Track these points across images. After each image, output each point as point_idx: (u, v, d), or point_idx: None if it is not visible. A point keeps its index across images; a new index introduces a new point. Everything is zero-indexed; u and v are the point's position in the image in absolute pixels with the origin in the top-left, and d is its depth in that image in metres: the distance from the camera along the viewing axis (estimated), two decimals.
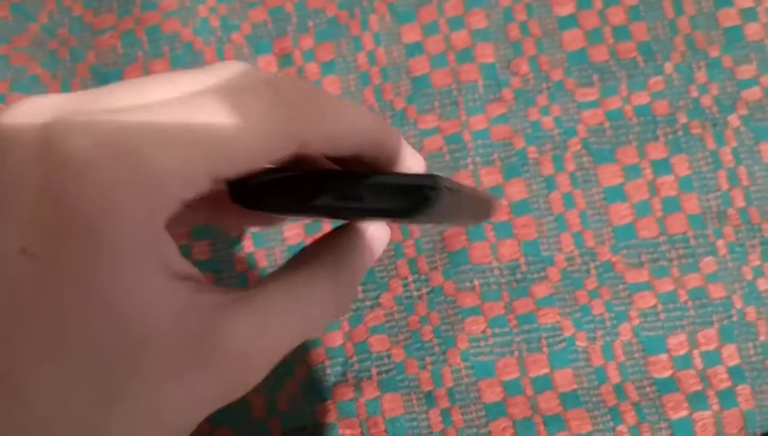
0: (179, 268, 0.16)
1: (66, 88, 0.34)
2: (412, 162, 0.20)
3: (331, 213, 0.17)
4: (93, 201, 0.14)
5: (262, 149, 0.16)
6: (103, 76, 0.33)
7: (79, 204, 0.14)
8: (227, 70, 0.17)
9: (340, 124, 0.17)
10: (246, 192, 0.17)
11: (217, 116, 0.16)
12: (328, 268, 0.18)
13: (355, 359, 0.30)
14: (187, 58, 0.33)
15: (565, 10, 0.33)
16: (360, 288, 0.31)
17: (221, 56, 0.33)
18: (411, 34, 0.33)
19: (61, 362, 0.14)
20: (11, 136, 0.15)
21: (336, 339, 0.31)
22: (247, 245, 0.32)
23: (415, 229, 0.32)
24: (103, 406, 0.14)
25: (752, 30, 0.32)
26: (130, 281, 0.14)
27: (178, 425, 0.15)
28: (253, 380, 0.16)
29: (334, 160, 0.19)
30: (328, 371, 0.30)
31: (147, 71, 0.33)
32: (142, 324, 0.14)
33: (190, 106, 0.16)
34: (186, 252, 0.31)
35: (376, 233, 0.20)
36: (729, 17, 0.32)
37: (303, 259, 0.18)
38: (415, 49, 0.33)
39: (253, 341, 0.15)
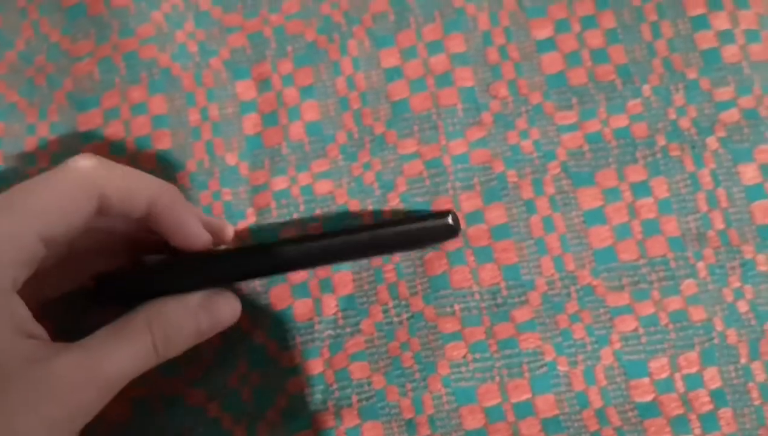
0: (29, 328, 0.21)
1: (43, 115, 0.33)
2: (194, 228, 0.26)
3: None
4: None
5: (69, 202, 0.22)
6: (81, 102, 0.33)
7: None
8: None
9: (127, 180, 0.24)
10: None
11: (27, 189, 0.22)
12: (151, 325, 0.23)
13: (335, 386, 0.30)
14: (164, 84, 0.33)
15: (543, 33, 0.33)
16: (340, 315, 0.31)
17: (200, 82, 0.33)
18: (390, 59, 0.33)
19: None
20: None
21: (316, 367, 0.30)
22: None
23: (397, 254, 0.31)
24: None
25: (729, 52, 0.32)
26: None
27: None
28: (94, 404, 0.22)
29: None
30: (308, 399, 0.30)
31: (124, 97, 0.33)
32: None
33: (14, 189, 0.22)
34: None
35: (209, 305, 0.26)
36: (706, 39, 0.33)
37: (134, 315, 0.24)
38: (394, 73, 0.33)
39: (81, 375, 0.21)
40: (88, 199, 0.22)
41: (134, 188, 0.24)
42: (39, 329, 0.22)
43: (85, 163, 0.23)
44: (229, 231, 0.29)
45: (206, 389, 0.30)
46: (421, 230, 0.26)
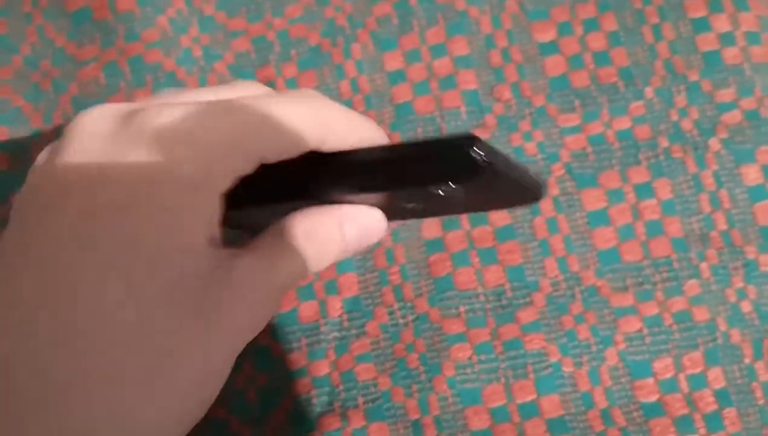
0: (216, 229, 0.20)
1: (48, 120, 0.33)
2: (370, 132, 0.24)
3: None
4: (168, 170, 0.19)
5: (295, 136, 0.20)
6: (86, 107, 0.33)
7: (162, 172, 0.19)
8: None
9: (347, 128, 0.22)
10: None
11: (262, 111, 0.20)
12: (308, 235, 0.22)
13: (341, 388, 0.30)
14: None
15: (546, 36, 0.33)
16: (345, 317, 0.31)
17: (204, 86, 0.34)
18: (393, 62, 0.34)
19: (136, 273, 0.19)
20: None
21: (322, 368, 0.31)
22: None
23: (401, 255, 0.32)
24: (176, 321, 0.19)
25: (730, 54, 0.33)
26: (189, 225, 0.19)
27: (224, 349, 0.20)
28: (270, 312, 0.22)
29: None
30: (314, 401, 0.30)
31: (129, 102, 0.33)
32: (193, 262, 0.19)
33: (245, 102, 0.20)
34: None
35: (359, 217, 0.23)
36: (707, 42, 0.33)
37: (290, 224, 0.23)
38: (398, 76, 0.33)
39: (260, 280, 0.21)
40: (309, 139, 0.21)
41: (346, 132, 0.22)
42: (221, 240, 0.21)
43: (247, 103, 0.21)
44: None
45: None
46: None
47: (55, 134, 0.33)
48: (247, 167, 0.20)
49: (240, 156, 0.20)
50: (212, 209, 0.20)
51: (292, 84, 0.34)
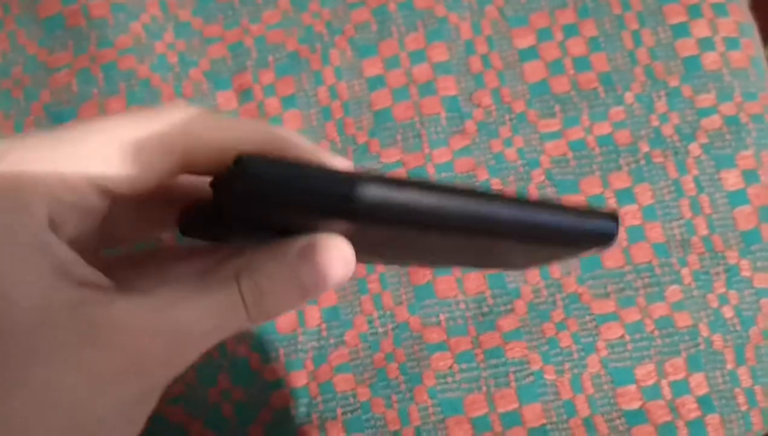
0: (78, 272, 0.18)
1: (19, 127, 0.33)
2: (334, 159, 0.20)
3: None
4: None
5: (139, 154, 0.18)
6: (58, 114, 0.33)
7: None
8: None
9: (220, 132, 0.19)
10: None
11: (90, 129, 0.18)
12: (239, 275, 0.18)
13: (319, 399, 0.30)
14: (143, 95, 0.33)
15: (525, 42, 0.33)
16: (323, 326, 0.30)
17: (179, 93, 0.33)
18: (372, 68, 0.33)
19: None
20: None
21: (300, 379, 0.30)
22: None
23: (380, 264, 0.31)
24: (3, 392, 0.16)
25: (710, 59, 0.33)
26: (15, 274, 0.17)
27: (80, 405, 0.17)
28: (161, 360, 0.18)
29: None
30: (293, 412, 0.30)
31: (102, 109, 0.33)
32: (33, 313, 0.16)
33: (75, 124, 0.18)
34: None
35: (313, 253, 0.18)
36: (687, 47, 0.33)
37: (218, 264, 0.19)
38: (377, 82, 0.33)
39: (143, 322, 0.17)
40: (164, 154, 0.18)
41: (229, 140, 0.19)
42: (94, 275, 0.18)
43: (171, 113, 0.19)
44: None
45: (186, 405, 0.30)
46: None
47: None
48: (83, 203, 0.18)
49: (57, 183, 0.18)
50: (43, 244, 0.17)
51: (270, 90, 0.33)
